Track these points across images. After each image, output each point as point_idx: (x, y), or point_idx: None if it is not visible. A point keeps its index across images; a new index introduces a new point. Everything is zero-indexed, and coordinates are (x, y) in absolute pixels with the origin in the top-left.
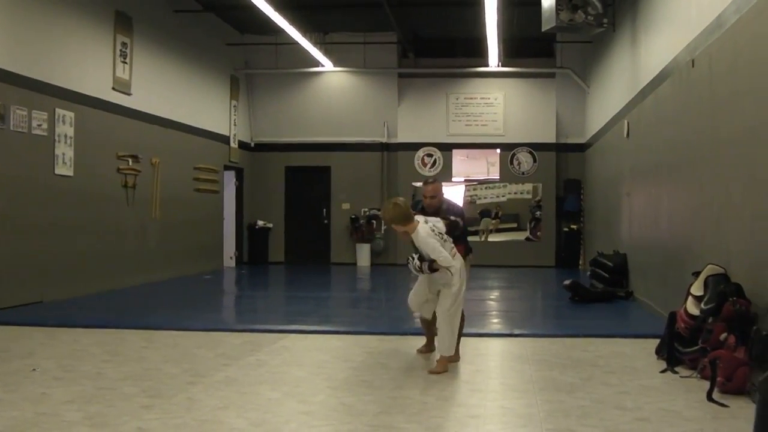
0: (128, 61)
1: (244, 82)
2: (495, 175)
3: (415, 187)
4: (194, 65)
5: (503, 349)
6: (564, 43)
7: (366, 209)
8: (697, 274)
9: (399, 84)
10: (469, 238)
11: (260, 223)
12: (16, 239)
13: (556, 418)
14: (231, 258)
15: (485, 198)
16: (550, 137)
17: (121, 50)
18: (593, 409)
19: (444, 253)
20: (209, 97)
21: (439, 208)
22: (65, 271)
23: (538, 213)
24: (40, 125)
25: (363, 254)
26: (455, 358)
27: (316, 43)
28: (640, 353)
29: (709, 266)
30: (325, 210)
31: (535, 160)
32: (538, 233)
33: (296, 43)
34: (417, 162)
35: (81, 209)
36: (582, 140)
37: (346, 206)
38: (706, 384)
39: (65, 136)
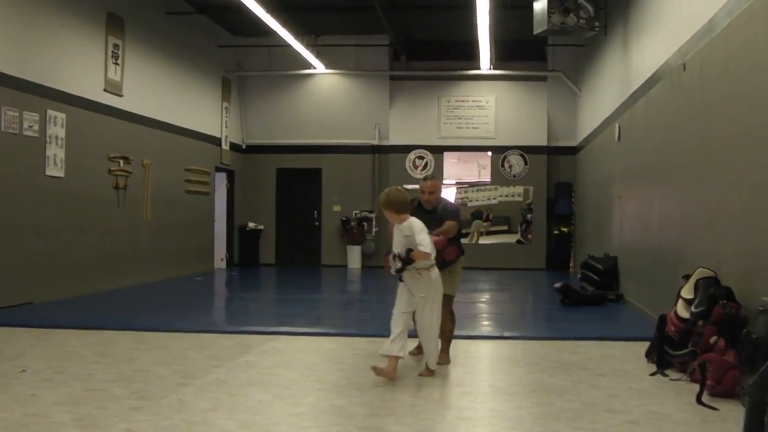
0: (120, 63)
1: (236, 84)
2: (486, 177)
3: (407, 189)
4: (186, 67)
5: (493, 351)
6: (556, 47)
7: (357, 211)
8: (687, 277)
9: (390, 86)
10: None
11: (251, 224)
12: (6, 240)
13: (545, 421)
14: (222, 260)
15: (476, 200)
16: (541, 140)
17: (112, 52)
18: (583, 411)
19: (428, 241)
20: (201, 99)
21: (436, 206)
22: (56, 273)
23: (529, 216)
24: (31, 126)
25: (354, 256)
26: (445, 360)
27: (307, 46)
28: (630, 356)
29: (700, 269)
30: (316, 212)
31: (526, 163)
32: (529, 236)
33: (288, 46)
34: (408, 164)
35: (72, 210)
36: (573, 143)
37: (337, 208)
38: (696, 387)
39: (56, 137)
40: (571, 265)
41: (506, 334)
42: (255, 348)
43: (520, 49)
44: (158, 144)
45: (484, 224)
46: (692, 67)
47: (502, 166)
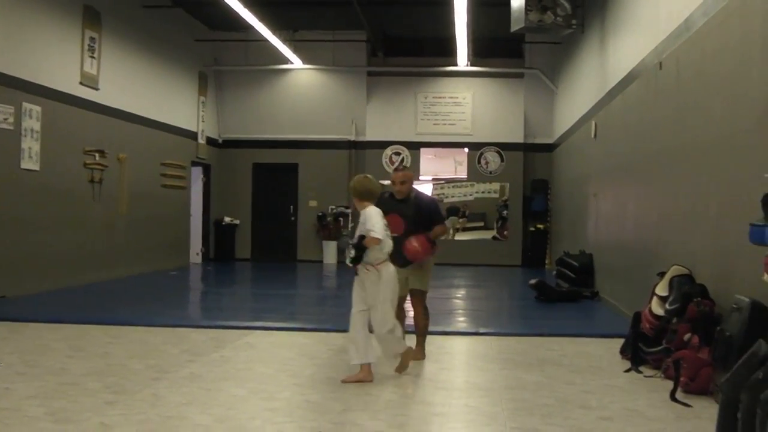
0: (96, 56)
1: (213, 79)
2: (462, 174)
3: (382, 185)
4: (163, 61)
5: (469, 347)
6: (533, 44)
7: (333, 207)
8: (662, 274)
9: (368, 82)
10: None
11: (227, 219)
12: None
13: (520, 417)
14: (197, 254)
15: (452, 197)
16: (517, 137)
17: (89, 45)
18: (557, 408)
19: (379, 227)
20: (177, 93)
21: (408, 195)
22: (30, 266)
23: (505, 212)
24: (6, 119)
25: (329, 252)
26: (420, 356)
27: (285, 41)
28: (605, 353)
29: (675, 267)
30: (292, 207)
31: (502, 160)
32: (505, 232)
33: (265, 40)
34: (385, 160)
35: (47, 204)
36: (550, 140)
37: (313, 204)
38: (670, 384)
39: (32, 130)
40: (546, 261)
41: (481, 330)
42: (230, 343)
43: (498, 46)
44: (134, 138)
45: (460, 220)
46: (668, 65)
47: (479, 162)
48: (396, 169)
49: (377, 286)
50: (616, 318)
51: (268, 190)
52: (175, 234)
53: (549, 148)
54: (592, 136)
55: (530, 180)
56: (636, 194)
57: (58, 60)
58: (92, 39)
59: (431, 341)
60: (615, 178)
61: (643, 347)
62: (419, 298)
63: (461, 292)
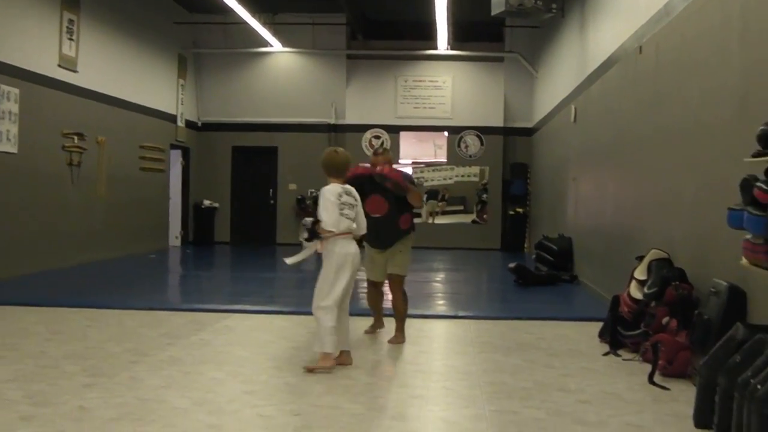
0: (75, 38)
1: (192, 61)
2: (442, 157)
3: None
4: (142, 43)
5: (448, 330)
6: (513, 28)
7: (313, 190)
8: (640, 258)
9: (347, 65)
10: (415, 220)
11: (206, 202)
12: None
13: (499, 400)
14: (177, 237)
15: (432, 180)
16: (497, 121)
17: (67, 27)
18: (536, 391)
19: (327, 216)
20: (156, 76)
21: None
22: (8, 250)
23: (484, 196)
24: None
25: None
26: (399, 339)
27: (264, 24)
28: (583, 336)
29: (653, 251)
30: (271, 190)
31: (482, 144)
32: (485, 216)
33: (245, 23)
34: (365, 143)
35: (25, 187)
36: (529, 124)
37: (292, 187)
38: (648, 367)
39: (9, 112)
40: (525, 245)
41: (461, 313)
42: (208, 326)
43: (478, 30)
44: (113, 121)
45: (440, 204)
46: (648, 50)
47: (459, 146)
48: (375, 153)
49: (327, 259)
50: (594, 301)
51: (247, 173)
52: (154, 217)
53: (529, 132)
54: (572, 120)
55: (510, 164)
56: (615, 178)
57: (36, 42)
58: (71, 21)
59: (410, 324)
60: (594, 163)
61: (621, 331)
62: (397, 283)
63: (440, 276)
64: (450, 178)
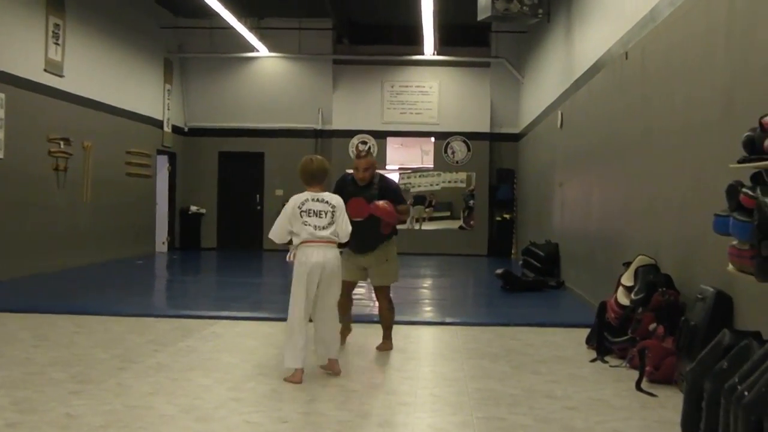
0: (61, 43)
1: (178, 66)
2: (429, 163)
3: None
4: (128, 48)
5: (435, 337)
6: (499, 33)
7: None
8: (627, 264)
9: (334, 70)
10: (400, 227)
11: (193, 208)
12: None
13: (486, 406)
14: (163, 243)
15: (419, 186)
16: (484, 126)
17: (53, 31)
18: (523, 397)
19: (273, 228)
20: (143, 81)
21: (371, 182)
22: None
23: (471, 202)
24: None
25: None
26: (386, 346)
27: (250, 28)
28: (570, 342)
29: (640, 257)
30: (258, 196)
31: (469, 149)
32: (471, 222)
33: (231, 28)
34: (351, 149)
35: (11, 192)
36: (516, 130)
37: (279, 192)
38: (635, 373)
39: None
40: (512, 251)
41: (448, 320)
42: (196, 332)
43: (464, 35)
44: (99, 126)
45: (427, 210)
46: (634, 56)
47: (445, 152)
48: (359, 156)
49: (296, 277)
50: (581, 307)
51: (234, 178)
52: (141, 223)
53: (515, 137)
54: (558, 125)
55: (496, 169)
56: (601, 184)
57: (22, 47)
58: (56, 25)
59: (397, 331)
60: (580, 168)
61: (608, 337)
62: (383, 292)
63: (427, 282)
64: (437, 184)
